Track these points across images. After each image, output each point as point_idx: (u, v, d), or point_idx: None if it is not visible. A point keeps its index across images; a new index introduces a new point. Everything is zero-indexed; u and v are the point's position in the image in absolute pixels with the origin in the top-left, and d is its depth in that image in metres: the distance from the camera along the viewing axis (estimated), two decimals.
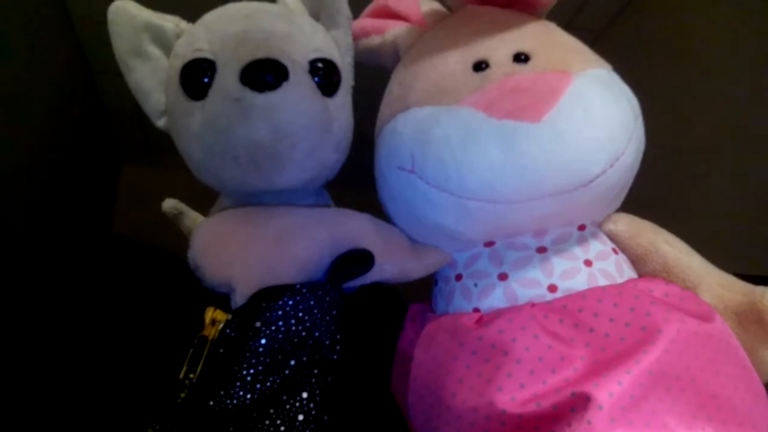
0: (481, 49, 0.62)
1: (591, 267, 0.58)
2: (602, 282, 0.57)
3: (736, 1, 1.02)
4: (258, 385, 0.51)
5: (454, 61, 0.62)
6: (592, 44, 0.64)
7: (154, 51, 0.62)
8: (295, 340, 0.53)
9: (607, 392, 0.47)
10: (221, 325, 0.54)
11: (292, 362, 0.53)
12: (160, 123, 0.64)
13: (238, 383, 0.51)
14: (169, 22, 0.62)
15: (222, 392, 0.51)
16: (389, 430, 0.62)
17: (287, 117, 0.54)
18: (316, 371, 0.53)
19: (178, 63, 0.59)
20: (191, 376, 0.53)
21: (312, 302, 0.55)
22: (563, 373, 0.50)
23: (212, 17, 0.61)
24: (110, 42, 0.61)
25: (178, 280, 0.61)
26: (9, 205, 1.11)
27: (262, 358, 0.52)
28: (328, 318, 0.56)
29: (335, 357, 0.55)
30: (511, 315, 0.55)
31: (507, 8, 0.66)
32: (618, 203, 0.63)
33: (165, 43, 0.62)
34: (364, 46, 0.71)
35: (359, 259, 0.59)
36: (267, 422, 0.50)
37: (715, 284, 0.58)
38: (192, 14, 0.63)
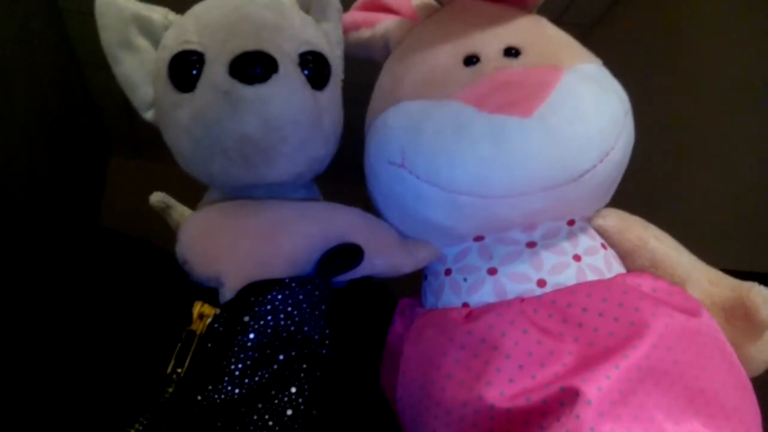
0: (472, 43, 0.61)
1: (580, 262, 0.58)
2: (591, 277, 0.57)
3: None
4: (246, 380, 0.51)
5: (445, 55, 0.62)
6: (581, 39, 0.64)
7: (143, 43, 0.61)
8: (284, 334, 0.53)
9: (596, 387, 0.47)
10: (209, 320, 0.54)
11: (281, 357, 0.52)
12: (148, 115, 0.63)
13: (226, 378, 0.51)
14: (157, 13, 0.61)
15: (210, 387, 0.50)
16: (378, 425, 0.62)
17: (277, 110, 0.54)
18: (305, 366, 0.53)
19: (167, 55, 0.58)
20: (179, 370, 0.53)
21: (301, 297, 0.55)
22: (552, 367, 0.51)
23: (201, 9, 0.61)
24: (98, 34, 0.61)
25: (166, 274, 0.60)
26: None
27: (250, 353, 0.52)
28: (317, 312, 0.55)
29: (324, 352, 0.55)
30: (501, 310, 0.55)
31: (498, 2, 0.66)
32: (607, 199, 0.63)
33: (153, 35, 0.61)
34: (355, 39, 0.71)
35: (349, 254, 0.59)
36: (255, 417, 0.50)
37: (703, 280, 0.59)
38: (181, 5, 0.63)
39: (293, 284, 0.55)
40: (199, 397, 0.50)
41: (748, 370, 0.54)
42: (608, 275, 0.58)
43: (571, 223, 0.61)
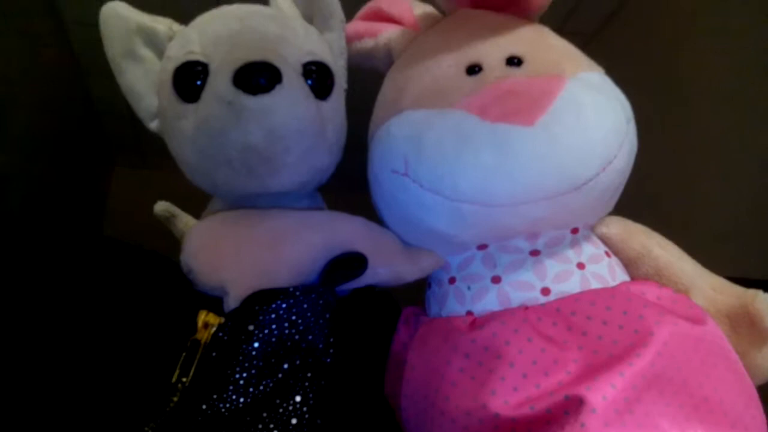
0: (474, 52, 0.62)
1: (584, 270, 0.58)
2: (595, 285, 0.57)
3: (728, 4, 1.03)
4: (251, 389, 0.51)
5: (448, 65, 0.62)
6: (583, 48, 0.65)
7: (147, 53, 0.62)
8: (289, 343, 0.53)
9: (601, 395, 0.47)
10: (214, 329, 0.54)
11: (286, 366, 0.52)
12: (153, 126, 0.64)
13: (231, 387, 0.51)
14: (161, 24, 0.62)
15: (215, 396, 0.50)
16: None
17: (281, 120, 0.54)
18: (309, 375, 0.53)
19: (171, 65, 0.58)
20: (184, 380, 0.53)
21: (305, 305, 0.55)
22: (556, 376, 0.51)
23: (205, 19, 0.61)
24: (101, 44, 0.61)
25: (171, 283, 0.61)
26: (0, 206, 1.10)
27: (255, 362, 0.52)
28: (321, 321, 0.55)
29: (329, 360, 0.55)
30: (505, 318, 0.55)
31: (500, 12, 0.66)
32: (611, 207, 0.63)
33: (157, 46, 0.62)
34: (358, 49, 0.71)
35: (353, 263, 0.59)
36: (260, 426, 0.50)
37: (707, 287, 0.59)
38: (184, 16, 0.63)
39: (297, 293, 0.55)
40: (203, 407, 0.50)
41: (753, 378, 0.54)
42: (612, 283, 0.58)
43: (574, 231, 0.61)
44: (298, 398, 0.52)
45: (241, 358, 0.51)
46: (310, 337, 0.54)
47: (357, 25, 0.72)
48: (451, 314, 0.61)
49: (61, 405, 0.60)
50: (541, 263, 0.59)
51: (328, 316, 0.56)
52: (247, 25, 0.58)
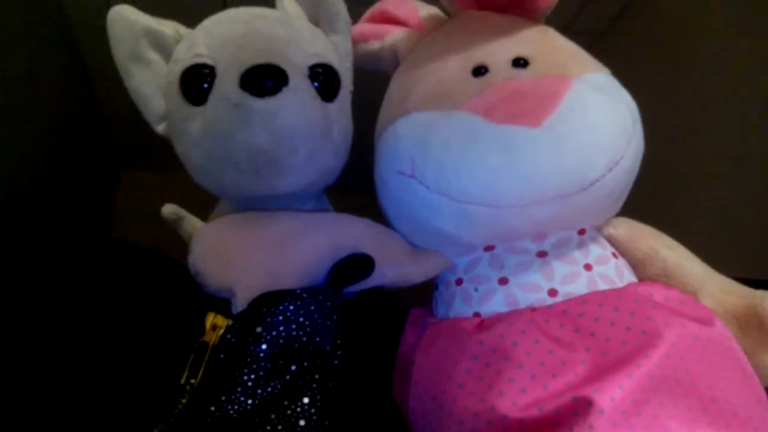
0: (480, 54, 0.62)
1: (591, 271, 0.58)
2: (602, 286, 0.57)
3: (733, 5, 1.03)
4: (259, 391, 0.51)
5: (453, 66, 0.62)
6: (589, 48, 0.65)
7: (154, 56, 0.62)
8: (296, 345, 0.53)
9: (609, 396, 0.47)
10: (222, 331, 0.54)
11: (293, 367, 0.53)
12: (160, 128, 0.64)
13: (239, 389, 0.51)
14: (168, 27, 0.62)
15: (223, 398, 0.51)
16: None
17: (287, 122, 0.54)
18: (317, 376, 0.53)
19: (178, 68, 0.59)
20: (192, 381, 0.53)
21: (313, 307, 0.55)
22: (564, 377, 0.50)
23: (212, 22, 0.62)
24: (108, 47, 0.61)
25: (179, 285, 0.61)
26: (8, 211, 1.10)
27: (263, 364, 0.52)
28: (328, 323, 0.56)
29: (336, 362, 0.55)
30: (512, 319, 0.55)
31: (505, 13, 0.66)
32: (618, 207, 0.63)
33: (164, 49, 0.62)
34: (364, 51, 0.71)
35: (360, 264, 0.59)
36: (268, 428, 0.50)
37: (716, 288, 0.59)
38: (191, 19, 0.63)
39: (305, 295, 0.55)
40: (212, 408, 0.50)
41: (762, 379, 0.54)
42: (620, 284, 0.58)
43: (581, 232, 0.61)
44: (306, 400, 0.52)
45: (248, 359, 0.52)
46: (317, 338, 0.54)
47: (363, 27, 0.73)
48: (458, 316, 0.61)
49: (70, 406, 0.60)
50: (549, 264, 0.59)
51: (335, 317, 0.56)
52: (253, 27, 0.58)
